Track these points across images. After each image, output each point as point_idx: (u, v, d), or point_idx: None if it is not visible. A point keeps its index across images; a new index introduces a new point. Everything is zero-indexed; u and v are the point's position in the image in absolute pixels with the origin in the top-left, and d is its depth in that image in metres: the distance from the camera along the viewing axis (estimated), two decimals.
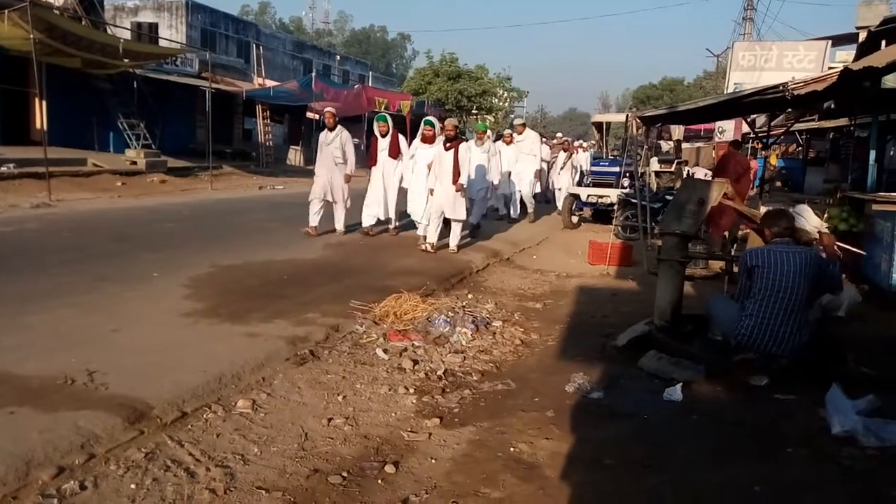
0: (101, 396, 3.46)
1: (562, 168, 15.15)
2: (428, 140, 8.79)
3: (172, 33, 27.35)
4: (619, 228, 10.60)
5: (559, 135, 21.08)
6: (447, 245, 8.84)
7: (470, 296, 6.59)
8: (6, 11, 12.63)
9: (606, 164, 13.52)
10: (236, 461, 3.04)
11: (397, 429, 3.51)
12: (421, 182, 8.89)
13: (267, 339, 4.68)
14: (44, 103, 14.11)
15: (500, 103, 39.89)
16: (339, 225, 9.53)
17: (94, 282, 5.88)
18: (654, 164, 12.93)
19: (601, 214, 12.78)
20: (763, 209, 6.01)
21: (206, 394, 3.69)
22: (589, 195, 12.59)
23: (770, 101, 5.89)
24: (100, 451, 2.96)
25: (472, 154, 10.30)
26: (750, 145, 18.67)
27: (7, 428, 3.04)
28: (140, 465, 2.91)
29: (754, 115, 13.31)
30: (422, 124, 8.97)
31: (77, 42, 14.23)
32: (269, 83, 25.96)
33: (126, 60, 15.79)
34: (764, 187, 13.13)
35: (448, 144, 8.37)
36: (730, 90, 17.77)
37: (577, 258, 9.28)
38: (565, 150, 15.68)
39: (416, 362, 4.52)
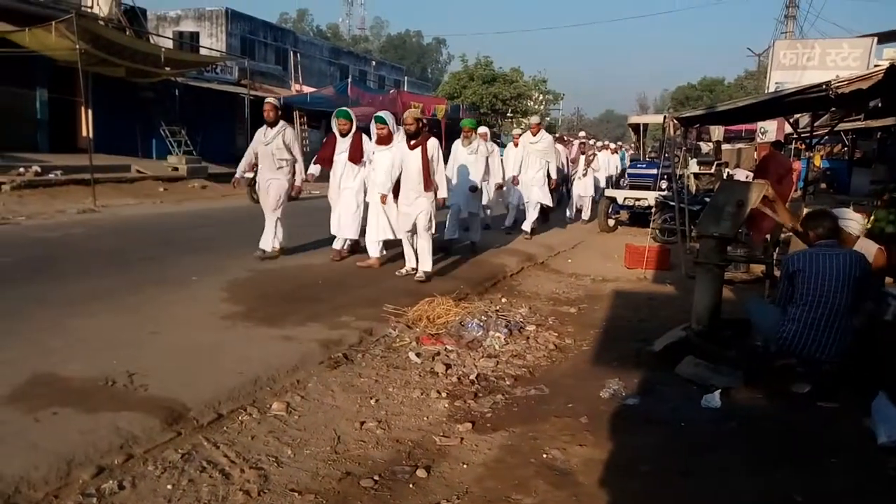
0: (140, 398, 3.54)
1: (583, 174, 13.66)
2: (383, 141, 7.11)
3: (213, 42, 27.93)
4: (657, 231, 10.44)
5: (581, 134, 19.29)
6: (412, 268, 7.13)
7: (503, 300, 6.56)
8: (53, 23, 13.08)
9: (644, 166, 13.33)
10: (270, 463, 3.07)
11: (429, 433, 3.50)
12: (375, 191, 7.18)
13: (301, 342, 4.73)
14: (89, 112, 14.57)
15: (536, 106, 39.71)
16: (265, 243, 7.62)
17: (135, 285, 6.02)
18: (693, 166, 12.71)
19: (638, 217, 12.60)
20: (806, 211, 5.84)
21: (241, 396, 3.74)
22: (626, 198, 12.42)
23: (813, 100, 5.73)
24: (138, 452, 3.03)
25: (457, 155, 9.24)
26: (793, 146, 18.20)
27: (50, 428, 3.13)
28: (177, 465, 2.96)
29: (797, 115, 12.98)
30: (373, 121, 7.28)
31: (121, 51, 14.66)
32: (307, 89, 26.26)
33: (168, 69, 16.19)
34: (808, 189, 12.77)
35: (413, 142, 6.73)
36: (771, 90, 17.37)
37: (614, 262, 9.16)
38: (582, 153, 14.09)
39: (448, 366, 4.51)
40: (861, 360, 4.11)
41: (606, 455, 3.29)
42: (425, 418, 3.70)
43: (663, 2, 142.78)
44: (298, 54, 31.71)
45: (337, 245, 7.82)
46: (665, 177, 11.83)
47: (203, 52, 23.75)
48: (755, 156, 18.67)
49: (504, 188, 10.61)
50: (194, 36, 28.41)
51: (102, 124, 17.38)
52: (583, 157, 13.62)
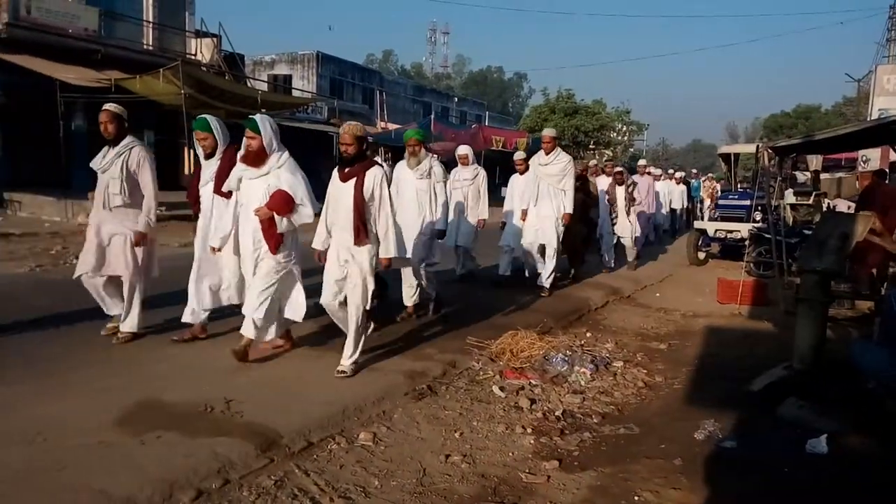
0: (236, 424, 3.68)
1: (628, 210, 10.42)
2: (252, 159, 4.59)
3: (304, 83, 29.36)
4: (752, 265, 9.99)
5: (641, 162, 15.03)
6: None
7: (588, 334, 6.42)
8: (161, 70, 14.16)
9: (736, 197, 12.90)
10: (358, 493, 3.11)
11: (515, 469, 3.45)
12: (246, 237, 4.74)
13: (387, 373, 4.79)
14: (191, 152, 15.53)
15: (619, 137, 39.22)
16: (126, 318, 5.18)
17: (231, 315, 6.27)
18: (790, 197, 12.14)
19: (730, 250, 12.12)
20: None
21: (330, 425, 3.82)
22: (717, 230, 12.00)
23: None
24: (234, 477, 3.14)
25: (402, 183, 6.44)
26: None
27: (154, 451, 3.29)
28: (270, 492, 3.05)
29: None
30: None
31: (221, 95, 15.68)
32: (392, 126, 27.07)
33: (263, 110, 17.09)
34: None
35: (346, 171, 4.67)
36: (874, 116, 16.45)
37: (705, 296, 8.82)
38: (619, 184, 10.53)
39: (533, 401, 4.45)
40: None
41: (702, 500, 3.14)
42: (510, 454, 3.66)
43: (752, 28, 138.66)
44: (384, 93, 32.82)
45: (189, 317, 5.25)
46: (759, 208, 11.35)
47: (295, 93, 24.96)
48: (857, 185, 17.66)
49: (503, 226, 8.44)
50: (287, 79, 29.96)
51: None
52: (620, 190, 10.57)
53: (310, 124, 24.22)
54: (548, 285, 8.03)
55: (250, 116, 4.72)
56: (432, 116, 25.65)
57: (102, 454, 3.21)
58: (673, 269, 11.42)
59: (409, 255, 6.07)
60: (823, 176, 17.04)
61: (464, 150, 8.24)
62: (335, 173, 4.76)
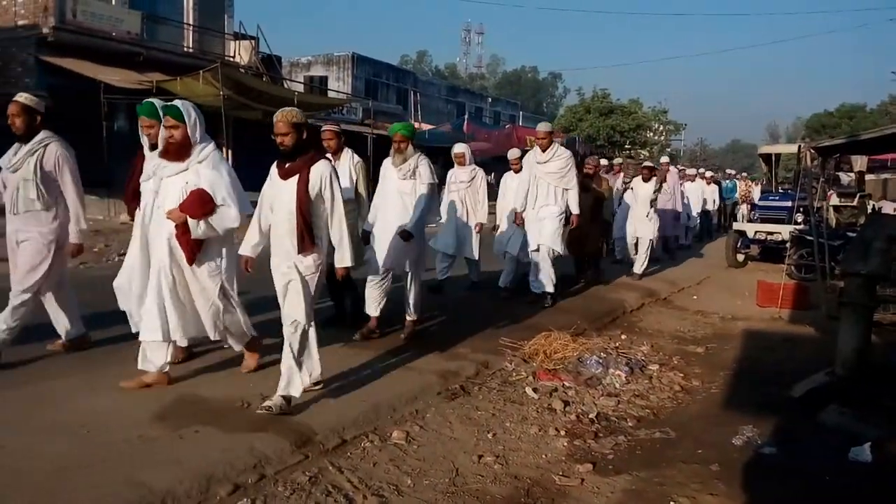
0: (272, 420, 3.72)
1: (651, 207, 9.63)
2: (172, 152, 3.99)
3: (340, 84, 29.67)
4: (793, 268, 9.76)
5: (664, 160, 13.89)
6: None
7: (623, 337, 6.35)
8: (201, 72, 14.45)
9: (776, 198, 12.60)
10: (391, 491, 3.13)
11: (548, 471, 3.43)
12: (161, 245, 4.03)
13: (420, 372, 4.81)
14: (230, 152, 15.83)
15: (656, 137, 38.69)
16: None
17: (270, 313, 6.36)
18: (833, 198, 11.84)
19: (770, 252, 11.87)
20: None
21: (364, 423, 3.84)
22: (756, 231, 11.76)
23: None
24: (270, 472, 3.18)
25: (385, 182, 5.63)
26: None
27: (193, 445, 3.36)
28: (304, 488, 3.08)
29: None
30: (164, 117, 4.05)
31: (258, 97, 15.91)
32: (425, 127, 27.16)
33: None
34: None
35: (287, 166, 3.96)
36: None
37: (744, 299, 8.64)
38: (646, 181, 9.89)
39: (566, 403, 4.42)
40: None
41: None
42: (543, 456, 3.64)
43: (796, 26, 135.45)
44: (418, 94, 32.94)
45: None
46: (801, 209, 11.10)
47: (331, 94, 25.23)
48: None
49: (496, 230, 7.89)
50: (323, 80, 30.30)
51: (241, 164, 18.83)
52: (645, 188, 9.89)
53: (345, 125, 24.44)
54: (551, 291, 7.16)
55: (169, 103, 4.09)
56: (466, 117, 25.67)
57: (142, 448, 3.28)
58: (710, 271, 11.22)
59: (383, 265, 5.45)
60: (868, 177, 16.56)
61: (460, 148, 7.57)
62: (273, 170, 4.02)
